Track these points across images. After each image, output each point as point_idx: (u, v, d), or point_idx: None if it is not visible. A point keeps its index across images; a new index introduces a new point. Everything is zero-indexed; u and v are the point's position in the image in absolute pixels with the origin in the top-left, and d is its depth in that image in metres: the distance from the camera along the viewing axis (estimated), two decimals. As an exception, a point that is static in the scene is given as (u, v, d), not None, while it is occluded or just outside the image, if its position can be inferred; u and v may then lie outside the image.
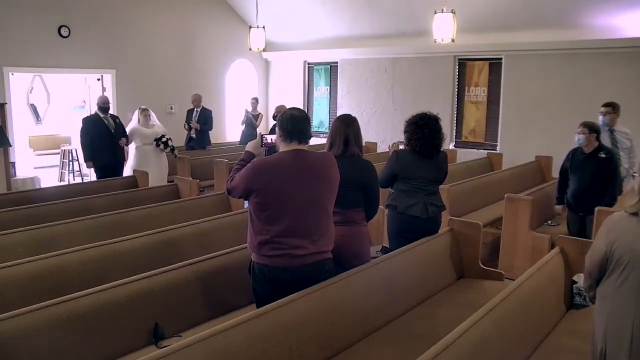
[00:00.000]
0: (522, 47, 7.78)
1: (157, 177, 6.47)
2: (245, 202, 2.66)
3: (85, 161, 6.53)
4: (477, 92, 8.58)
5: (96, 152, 6.36)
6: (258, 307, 2.48)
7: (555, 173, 5.76)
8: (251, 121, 9.33)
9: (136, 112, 6.75)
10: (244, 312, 2.50)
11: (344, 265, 2.84)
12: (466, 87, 8.68)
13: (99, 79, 8.78)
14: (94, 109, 8.83)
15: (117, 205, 4.63)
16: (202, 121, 8.42)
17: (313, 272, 2.52)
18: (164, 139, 6.59)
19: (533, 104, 7.89)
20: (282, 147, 2.53)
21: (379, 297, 2.94)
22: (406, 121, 3.59)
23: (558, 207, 4.82)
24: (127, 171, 6.53)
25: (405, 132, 3.57)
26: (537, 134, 7.83)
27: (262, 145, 2.76)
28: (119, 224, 4.06)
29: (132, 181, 5.88)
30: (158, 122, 6.93)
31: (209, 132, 8.65)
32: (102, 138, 6.35)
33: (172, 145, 6.70)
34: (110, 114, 6.59)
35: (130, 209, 4.36)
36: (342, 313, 2.65)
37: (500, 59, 8.21)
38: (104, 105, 6.49)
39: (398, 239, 3.50)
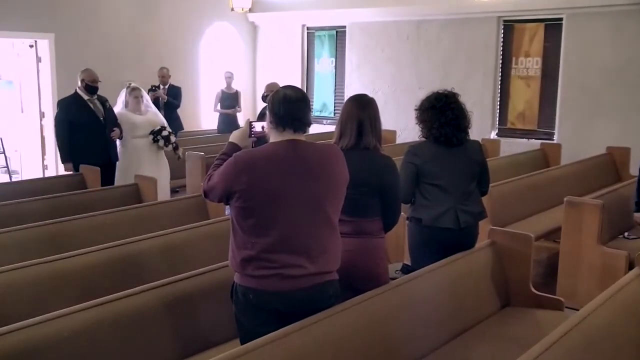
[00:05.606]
0: (590, 2, 7.76)
1: None
2: (227, 207, 2.69)
3: (62, 161, 6.19)
4: (528, 65, 8.60)
5: (78, 149, 5.98)
6: (243, 342, 2.50)
7: (634, 170, 5.76)
8: (229, 102, 9.38)
9: (123, 93, 6.45)
10: (224, 349, 2.52)
11: (355, 289, 2.85)
12: (513, 58, 8.71)
13: (32, 46, 8.76)
14: (26, 86, 8.92)
15: (59, 211, 4.64)
16: (171, 97, 8.65)
17: (313, 298, 2.54)
18: (164, 133, 6.32)
19: (603, 79, 7.89)
20: (274, 137, 2.55)
21: (399, 330, 2.95)
22: (417, 109, 3.66)
23: (638, 215, 4.81)
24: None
25: (421, 121, 3.63)
26: (608, 118, 7.84)
27: (250, 135, 2.77)
28: (62, 236, 4.07)
29: (79, 180, 5.88)
30: (154, 107, 6.73)
31: (178, 112, 8.81)
32: (88, 129, 5.99)
33: (175, 142, 6.45)
34: (98, 95, 6.16)
35: (77, 217, 4.37)
36: (351, 350, 2.66)
37: (560, 19, 8.23)
38: (92, 84, 6.05)
39: (422, 255, 3.52)
